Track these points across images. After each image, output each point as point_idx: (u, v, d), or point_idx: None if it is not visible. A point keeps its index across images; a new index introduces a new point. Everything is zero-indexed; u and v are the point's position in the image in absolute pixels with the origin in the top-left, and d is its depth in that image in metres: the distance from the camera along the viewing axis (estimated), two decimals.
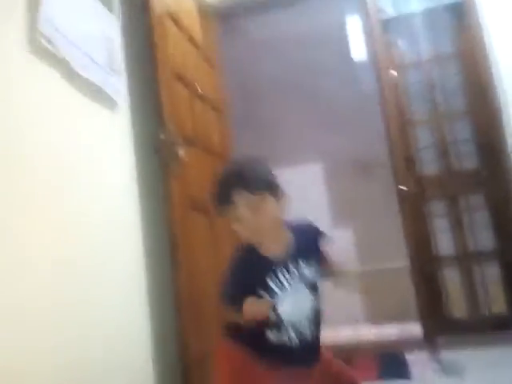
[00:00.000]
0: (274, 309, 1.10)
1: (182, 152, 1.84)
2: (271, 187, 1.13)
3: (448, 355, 2.19)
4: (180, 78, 2.05)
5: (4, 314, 1.07)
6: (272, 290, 1.10)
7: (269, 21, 3.16)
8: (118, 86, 1.71)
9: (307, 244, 1.17)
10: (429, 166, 2.60)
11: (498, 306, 2.40)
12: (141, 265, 1.77)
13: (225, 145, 2.57)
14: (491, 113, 2.42)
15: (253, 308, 1.06)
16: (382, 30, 2.63)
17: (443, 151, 2.59)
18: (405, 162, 2.56)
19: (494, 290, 2.42)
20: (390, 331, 2.73)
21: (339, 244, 3.40)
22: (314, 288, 1.16)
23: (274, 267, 1.12)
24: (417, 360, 2.23)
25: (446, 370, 2.02)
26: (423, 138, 2.63)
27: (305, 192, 3.16)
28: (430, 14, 2.59)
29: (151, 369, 1.71)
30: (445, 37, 2.62)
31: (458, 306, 2.46)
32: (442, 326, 2.41)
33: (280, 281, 1.12)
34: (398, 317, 2.83)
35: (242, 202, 1.09)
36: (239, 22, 3.27)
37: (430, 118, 2.63)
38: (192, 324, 1.85)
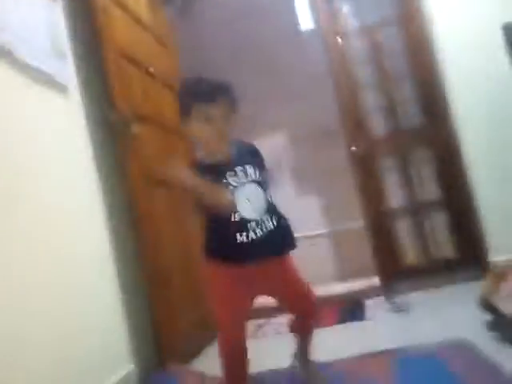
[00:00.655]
0: (233, 204, 1.24)
1: (135, 128, 1.95)
2: (227, 98, 1.26)
3: (401, 298, 2.40)
4: (128, 57, 2.13)
5: None
6: (230, 187, 1.25)
7: None
8: (66, 70, 1.79)
9: (249, 153, 1.35)
10: (378, 126, 2.75)
11: (447, 250, 2.61)
12: (107, 241, 1.87)
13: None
14: (431, 72, 2.58)
15: (214, 193, 1.22)
16: None
17: (391, 112, 2.74)
18: (355, 124, 2.72)
19: (442, 236, 2.63)
20: (354, 285, 2.93)
21: (303, 209, 3.58)
22: (262, 186, 1.30)
23: (223, 169, 1.26)
24: (373, 304, 2.44)
25: (396, 309, 2.22)
26: (372, 101, 2.77)
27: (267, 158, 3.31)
28: None
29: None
30: (386, 2, 2.73)
31: (410, 254, 2.66)
32: (396, 274, 2.61)
33: (229, 181, 1.26)
34: (362, 272, 3.03)
35: (221, 105, 1.23)
36: (191, 2, 3.33)
37: (376, 81, 2.76)
38: (161, 294, 1.99)
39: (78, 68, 1.92)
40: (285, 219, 1.35)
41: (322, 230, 3.46)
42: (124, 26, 2.17)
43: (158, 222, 2.10)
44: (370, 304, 2.46)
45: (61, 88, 1.75)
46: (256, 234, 1.26)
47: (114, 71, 1.96)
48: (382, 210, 2.71)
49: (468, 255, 2.51)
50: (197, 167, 1.28)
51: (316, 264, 3.25)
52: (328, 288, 3.03)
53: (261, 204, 1.29)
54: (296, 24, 3.25)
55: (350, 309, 2.44)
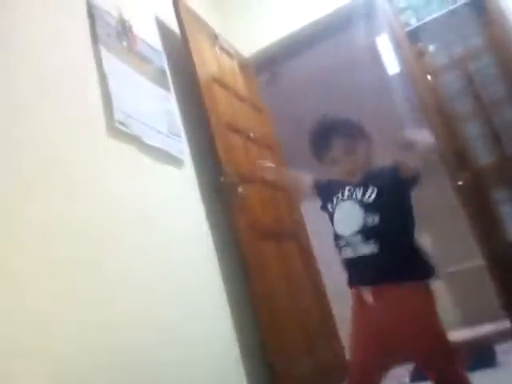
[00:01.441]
0: (333, 217, 1.33)
1: (241, 189, 2.16)
2: (361, 131, 1.36)
3: None
4: (231, 127, 2.42)
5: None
6: (332, 199, 1.35)
7: (308, 58, 3.46)
8: (181, 147, 2.11)
9: (382, 175, 1.33)
10: (483, 156, 2.63)
11: None
12: (222, 294, 2.07)
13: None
14: None
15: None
16: (411, 40, 2.80)
17: (495, 139, 2.62)
18: (458, 157, 2.63)
19: None
20: (480, 330, 2.71)
21: None
22: (369, 209, 1.27)
23: (344, 186, 1.33)
24: (506, 349, 2.22)
25: None
26: (472, 132, 2.68)
27: None
28: (452, 15, 2.71)
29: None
30: (471, 33, 2.70)
31: None
32: None
33: (339, 195, 1.34)
34: (487, 315, 2.79)
35: (337, 146, 1.31)
36: (281, 67, 3.62)
37: (474, 110, 2.68)
38: (274, 340, 2.08)
39: (191, 144, 2.24)
40: (403, 240, 1.28)
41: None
42: (225, 101, 2.48)
43: (267, 272, 2.24)
44: (501, 349, 2.24)
45: (178, 162, 2.06)
46: (348, 253, 1.29)
47: (220, 141, 2.24)
48: (503, 242, 2.52)
49: None
50: (326, 181, 1.43)
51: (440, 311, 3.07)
52: (450, 335, 2.83)
53: (352, 224, 1.28)
54: (382, 71, 3.34)
55: (479, 354, 2.24)
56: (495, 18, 2.58)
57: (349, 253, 1.29)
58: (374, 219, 1.26)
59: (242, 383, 1.94)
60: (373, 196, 1.29)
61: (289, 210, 2.81)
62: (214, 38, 2.62)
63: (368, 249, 1.26)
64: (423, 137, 1.24)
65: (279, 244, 2.50)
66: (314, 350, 2.31)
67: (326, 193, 1.40)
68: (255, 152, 2.66)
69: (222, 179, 2.11)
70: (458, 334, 2.81)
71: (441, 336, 1.28)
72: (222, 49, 2.68)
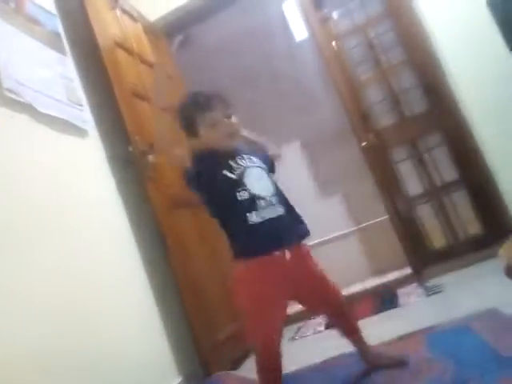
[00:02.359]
0: (242, 181, 1.32)
1: (151, 157, 2.10)
2: (223, 103, 1.40)
3: (433, 282, 2.42)
4: (138, 95, 2.31)
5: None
6: (232, 166, 1.35)
7: (217, 24, 3.40)
8: (84, 116, 1.99)
9: (252, 149, 1.47)
10: (385, 118, 2.81)
11: (473, 228, 2.61)
12: (141, 263, 2.04)
13: None
14: (429, 59, 2.63)
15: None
16: (316, 6, 2.86)
17: (395, 102, 2.81)
18: (362, 119, 2.79)
19: (466, 215, 2.63)
20: (387, 277, 2.96)
21: (328, 210, 3.64)
22: (270, 177, 1.42)
23: (230, 154, 1.37)
24: (406, 292, 2.46)
25: (428, 292, 2.24)
26: (375, 95, 2.85)
27: (291, 170, 3.41)
28: None
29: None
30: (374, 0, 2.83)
31: (437, 238, 2.67)
32: (426, 259, 2.63)
33: (239, 163, 1.36)
34: (394, 263, 3.05)
35: (218, 108, 1.36)
36: (192, 31, 3.52)
37: (376, 75, 2.84)
38: (196, 306, 2.11)
39: (95, 113, 2.12)
40: (293, 208, 1.42)
41: (350, 229, 3.50)
42: (130, 67, 2.36)
43: (184, 239, 2.23)
44: (403, 292, 2.48)
45: (81, 132, 1.94)
46: (267, 214, 1.31)
47: (127, 109, 2.14)
48: (403, 198, 2.75)
49: (494, 229, 2.50)
50: (200, 155, 1.37)
51: (349, 262, 3.30)
52: (363, 284, 3.07)
53: (269, 185, 1.38)
54: (291, 37, 3.39)
55: (384, 299, 2.47)
56: None
57: (255, 217, 1.30)
58: (277, 187, 1.42)
59: (171, 353, 1.97)
60: (267, 166, 1.45)
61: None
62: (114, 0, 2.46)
63: (280, 210, 1.35)
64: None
65: (194, 212, 2.49)
66: (234, 316, 2.37)
67: (215, 165, 1.36)
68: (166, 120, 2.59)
69: (130, 149, 2.04)
70: (369, 282, 3.06)
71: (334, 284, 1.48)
72: (124, 11, 2.52)
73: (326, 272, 1.47)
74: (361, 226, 3.58)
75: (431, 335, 1.62)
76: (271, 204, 1.34)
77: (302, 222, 1.43)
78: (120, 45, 2.32)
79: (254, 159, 1.42)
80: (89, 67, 2.17)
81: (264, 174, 1.41)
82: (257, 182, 1.36)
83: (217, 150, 1.37)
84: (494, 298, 1.76)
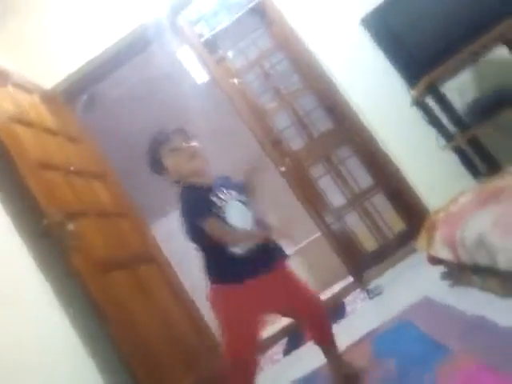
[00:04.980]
0: (225, 217, 1.37)
1: (71, 226, 2.03)
2: (179, 133, 1.47)
3: (373, 284, 2.52)
4: (45, 166, 2.24)
5: None
6: (217, 205, 1.39)
7: (118, 80, 3.41)
8: None
9: (227, 180, 1.50)
10: (296, 141, 2.95)
11: (398, 225, 2.78)
12: (78, 340, 1.93)
13: (121, 203, 2.78)
14: (324, 82, 2.81)
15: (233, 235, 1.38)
16: (210, 49, 2.99)
17: (301, 125, 2.96)
18: (275, 146, 2.91)
19: (389, 215, 2.80)
20: (332, 289, 3.04)
21: None
22: (246, 205, 1.45)
23: (212, 190, 1.41)
24: (352, 299, 2.54)
25: (371, 295, 2.33)
26: (282, 121, 2.99)
27: None
28: (239, 22, 2.97)
29: None
30: (259, 35, 3.01)
31: (368, 241, 2.81)
32: (362, 264, 2.74)
33: (220, 198, 1.41)
34: (337, 275, 3.14)
35: (175, 137, 1.44)
36: (92, 91, 3.51)
37: (278, 102, 2.99)
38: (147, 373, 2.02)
39: (4, 194, 2.02)
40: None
41: (289, 251, 3.56)
42: (32, 139, 2.29)
43: (124, 301, 2.15)
44: (349, 300, 2.56)
45: None
46: (250, 244, 1.38)
47: (35, 182, 2.06)
48: (330, 212, 2.87)
49: (415, 223, 2.67)
50: (193, 191, 1.42)
51: None
52: None
53: (248, 216, 1.43)
54: (192, 80, 3.49)
55: (333, 312, 2.52)
56: (275, 20, 2.90)
57: (239, 250, 1.38)
58: (254, 215, 1.46)
59: None
60: (239, 195, 1.46)
61: (136, 234, 2.75)
62: (4, 75, 2.40)
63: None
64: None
65: (132, 270, 2.42)
66: (196, 369, 2.30)
67: (204, 204, 1.40)
68: (82, 185, 2.53)
69: (44, 222, 1.96)
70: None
71: (316, 296, 1.57)
72: (16, 85, 2.47)
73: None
74: (299, 246, 3.67)
75: (376, 337, 1.68)
76: None
77: (278, 246, 1.48)
78: (17, 119, 2.25)
79: (233, 192, 1.45)
80: None
81: (243, 207, 1.44)
82: (237, 216, 1.41)
83: (194, 189, 1.42)
84: (425, 286, 1.88)
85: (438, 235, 1.70)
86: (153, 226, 3.27)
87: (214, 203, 1.39)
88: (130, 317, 2.14)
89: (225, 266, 1.41)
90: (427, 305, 1.68)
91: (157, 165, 1.47)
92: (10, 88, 2.41)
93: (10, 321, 1.65)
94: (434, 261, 1.78)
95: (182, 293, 2.75)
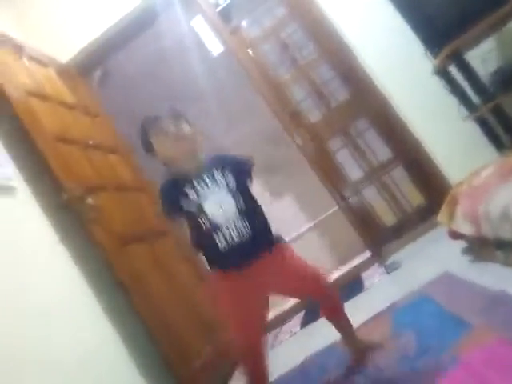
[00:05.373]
0: (203, 211, 1.36)
1: (90, 200, 2.05)
2: (184, 120, 1.44)
3: (391, 259, 2.50)
4: (64, 140, 2.25)
5: None
6: (190, 196, 1.38)
7: (132, 52, 3.37)
8: (8, 173, 1.91)
9: (220, 161, 1.45)
10: (313, 112, 2.89)
11: (417, 199, 2.73)
12: (101, 309, 1.98)
13: (138, 178, 2.79)
14: (341, 49, 2.73)
15: None
16: (225, 19, 2.90)
17: (319, 96, 2.89)
18: (292, 118, 2.85)
19: (408, 189, 2.75)
20: (350, 264, 3.03)
21: (283, 213, 3.66)
22: (235, 191, 1.40)
23: (190, 179, 1.39)
24: (369, 274, 2.53)
25: (388, 270, 2.32)
26: (299, 93, 2.92)
27: None
28: None
29: None
30: (275, 4, 2.91)
31: (387, 215, 2.77)
32: (381, 238, 2.72)
33: (196, 188, 1.38)
34: (356, 250, 3.12)
35: (165, 119, 1.40)
36: (110, 64, 3.48)
37: (295, 73, 2.92)
38: (167, 342, 2.07)
39: (22, 168, 2.04)
40: (262, 219, 1.45)
41: (307, 226, 3.56)
42: (48, 113, 2.29)
43: (142, 274, 2.18)
44: (367, 274, 2.55)
45: (8, 190, 1.86)
46: (230, 238, 1.36)
47: (53, 156, 2.07)
48: (348, 185, 2.83)
49: (435, 197, 2.62)
50: (169, 182, 1.43)
51: (312, 259, 3.33)
52: (330, 276, 3.12)
53: (230, 209, 1.38)
54: (208, 52, 3.43)
55: (350, 285, 2.53)
56: None
57: (223, 243, 1.36)
58: (242, 203, 1.40)
59: None
60: (234, 182, 1.41)
61: (152, 208, 2.76)
62: (19, 48, 2.39)
63: (244, 230, 1.37)
64: None
65: (150, 244, 2.45)
66: (213, 340, 2.35)
67: (173, 195, 1.41)
68: (101, 159, 2.54)
69: (64, 196, 1.97)
70: (335, 274, 3.12)
71: (319, 275, 1.53)
72: (32, 58, 2.45)
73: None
74: (316, 221, 3.65)
75: (395, 311, 1.67)
76: (234, 226, 1.37)
77: (269, 233, 1.45)
78: (33, 93, 2.24)
79: (218, 176, 1.41)
80: (5, 123, 2.09)
81: (224, 196, 1.39)
82: (216, 208, 1.37)
83: (177, 173, 1.41)
84: (446, 261, 1.85)
85: (460, 209, 1.66)
86: None
87: (186, 196, 1.38)
88: (149, 289, 2.18)
89: (211, 255, 1.43)
90: (447, 280, 1.66)
91: (147, 145, 1.43)
92: (26, 61, 2.40)
93: (33, 287, 1.69)
94: (456, 235, 1.75)
95: (198, 266, 2.78)
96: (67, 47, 2.89)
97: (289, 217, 3.61)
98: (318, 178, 2.85)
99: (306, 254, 3.36)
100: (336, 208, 3.11)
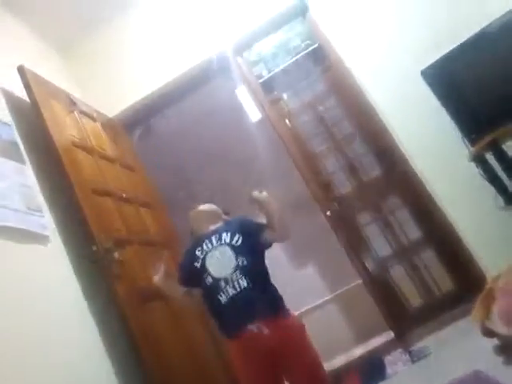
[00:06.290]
0: (205, 267, 1.50)
1: (117, 254, 2.07)
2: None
3: (416, 346, 2.38)
4: (100, 192, 2.33)
5: None
6: (198, 256, 1.56)
7: (176, 112, 3.53)
8: (44, 222, 1.97)
9: (232, 224, 1.62)
10: (344, 185, 2.90)
11: (447, 284, 2.63)
12: (111, 368, 1.93)
13: (166, 234, 2.82)
14: (376, 126, 2.79)
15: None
16: (266, 90, 3.04)
17: (351, 169, 2.92)
18: (322, 189, 2.87)
19: (437, 272, 2.66)
20: (371, 343, 2.89)
21: (304, 281, 3.61)
22: (239, 251, 1.50)
23: (201, 241, 1.58)
24: (392, 359, 2.40)
25: (414, 358, 2.20)
26: (331, 165, 2.96)
27: None
28: (297, 65, 3.02)
29: None
30: (315, 79, 3.03)
31: (414, 298, 2.67)
32: (406, 321, 2.60)
33: (203, 248, 1.56)
34: (376, 327, 2.99)
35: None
36: (152, 121, 3.65)
37: (329, 146, 2.97)
38: None
39: (57, 217, 2.10)
40: (264, 281, 1.52)
41: (327, 297, 3.47)
42: (90, 165, 2.39)
43: (157, 334, 2.14)
44: (389, 360, 2.42)
45: (42, 239, 1.91)
46: (230, 292, 1.43)
47: (88, 208, 2.13)
48: (374, 261, 2.77)
49: (465, 284, 2.52)
50: (190, 248, 1.65)
51: (330, 332, 3.21)
52: (347, 354, 2.98)
53: (230, 263, 1.48)
54: (247, 118, 3.57)
55: (371, 370, 2.39)
56: (333, 64, 2.93)
57: (224, 298, 1.45)
58: (244, 260, 1.48)
59: None
60: (240, 241, 1.52)
61: (175, 265, 2.76)
62: (71, 103, 2.55)
63: (242, 284, 1.44)
64: (264, 197, 1.55)
65: (167, 302, 2.42)
66: None
67: (189, 259, 1.61)
68: (131, 212, 2.59)
69: (93, 248, 2.01)
70: (355, 352, 2.97)
71: (317, 358, 1.54)
72: (82, 113, 2.61)
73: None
74: (337, 292, 3.55)
75: None
76: (232, 280, 1.45)
77: (271, 295, 1.50)
78: (78, 145, 2.36)
79: (224, 236, 1.55)
80: (48, 172, 2.19)
81: (225, 251, 1.51)
82: (217, 264, 1.50)
83: (193, 241, 1.65)
84: (476, 358, 1.74)
85: (497, 308, 1.59)
86: None
87: (196, 257, 1.57)
88: (161, 348, 2.13)
89: (215, 311, 1.51)
90: (478, 380, 1.55)
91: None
92: (77, 115, 2.55)
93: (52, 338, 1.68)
94: (490, 334, 1.66)
95: (213, 327, 2.71)
96: (115, 103, 3.07)
97: (309, 285, 3.54)
98: (343, 249, 2.82)
99: (323, 325, 3.28)
100: (359, 282, 3.03)
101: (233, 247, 1.50)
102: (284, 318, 1.49)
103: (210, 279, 1.48)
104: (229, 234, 1.54)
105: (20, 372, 1.48)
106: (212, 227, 1.63)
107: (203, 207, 1.75)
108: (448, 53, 2.35)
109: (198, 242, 1.61)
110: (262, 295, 1.45)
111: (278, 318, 1.46)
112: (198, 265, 1.54)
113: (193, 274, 1.56)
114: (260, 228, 1.59)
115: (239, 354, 1.47)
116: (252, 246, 1.52)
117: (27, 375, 1.50)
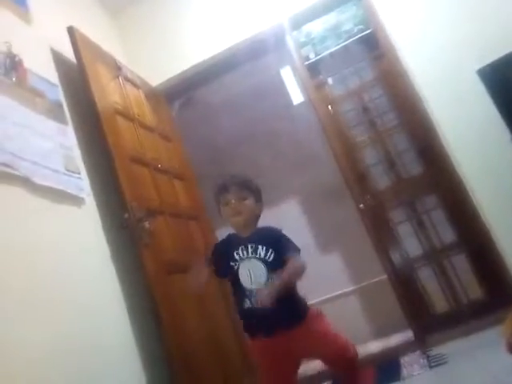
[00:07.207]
0: (236, 273, 1.56)
1: (147, 224, 2.11)
2: (250, 191, 1.65)
3: (435, 350, 2.33)
4: (137, 160, 2.36)
5: None
6: (235, 258, 1.59)
7: (218, 86, 3.51)
8: (81, 184, 2.01)
9: (268, 237, 1.61)
10: (381, 180, 2.83)
11: (475, 292, 2.55)
12: (131, 332, 1.99)
13: (195, 206, 2.85)
14: (422, 121, 2.68)
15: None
16: (312, 73, 2.96)
17: (390, 164, 2.83)
18: (358, 180, 2.81)
19: (467, 278, 2.58)
20: (389, 341, 2.86)
21: (329, 269, 3.59)
22: (270, 267, 1.54)
23: (238, 245, 1.60)
24: (409, 361, 2.37)
25: (432, 363, 2.16)
26: (370, 157, 2.88)
27: (288, 226, 3.40)
28: (346, 50, 2.92)
29: None
30: (364, 66, 2.93)
31: (439, 301, 2.61)
32: (428, 324, 2.55)
33: (240, 253, 1.58)
34: (395, 325, 2.96)
35: (232, 191, 1.62)
36: (194, 92, 3.64)
37: (370, 137, 2.89)
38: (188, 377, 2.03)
39: (94, 180, 2.14)
40: (293, 297, 1.58)
41: (350, 287, 3.44)
42: (130, 133, 2.42)
43: (179, 306, 2.18)
44: (406, 361, 2.39)
45: (77, 201, 1.96)
46: (253, 303, 1.52)
47: (124, 175, 2.17)
48: (402, 260, 2.71)
49: (495, 294, 2.44)
50: (227, 239, 1.68)
51: (349, 323, 3.18)
52: (363, 347, 2.96)
53: (260, 278, 1.54)
54: (289, 99, 3.50)
55: (386, 368, 2.37)
56: (385, 52, 2.81)
57: (249, 304, 1.54)
58: (275, 278, 1.53)
59: None
60: (272, 256, 1.57)
61: (202, 238, 2.79)
62: (117, 68, 2.56)
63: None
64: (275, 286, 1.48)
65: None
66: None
67: (225, 254, 1.62)
68: (165, 183, 2.62)
69: (126, 216, 2.04)
70: (371, 346, 2.95)
71: (343, 342, 1.67)
72: (126, 79, 2.62)
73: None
74: (361, 285, 3.51)
75: None
76: (254, 296, 1.52)
77: (296, 307, 1.58)
78: (120, 112, 2.38)
79: (260, 249, 1.57)
80: (89, 135, 2.22)
81: (261, 266, 1.55)
82: (248, 274, 1.56)
83: (232, 236, 1.67)
84: (497, 374, 1.69)
85: None
86: (218, 232, 3.31)
87: (234, 258, 1.59)
88: (181, 322, 2.17)
89: (241, 315, 1.60)
90: None
91: (218, 208, 1.68)
92: (121, 80, 2.56)
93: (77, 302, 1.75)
94: None
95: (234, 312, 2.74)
96: (160, 72, 3.07)
97: (333, 274, 3.51)
98: (371, 243, 2.77)
99: (342, 316, 3.26)
100: (383, 277, 2.98)
101: (265, 262, 1.56)
102: (305, 320, 1.58)
103: (238, 286, 1.57)
104: (264, 249, 1.57)
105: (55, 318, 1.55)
106: (248, 232, 1.64)
107: (239, 206, 1.61)
108: (509, 53, 2.22)
109: (237, 241, 1.62)
110: (287, 309, 1.53)
111: (301, 324, 1.56)
112: (234, 266, 1.59)
113: (227, 269, 1.61)
114: (287, 253, 1.56)
115: (260, 351, 1.61)
116: (282, 261, 1.54)
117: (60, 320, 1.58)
